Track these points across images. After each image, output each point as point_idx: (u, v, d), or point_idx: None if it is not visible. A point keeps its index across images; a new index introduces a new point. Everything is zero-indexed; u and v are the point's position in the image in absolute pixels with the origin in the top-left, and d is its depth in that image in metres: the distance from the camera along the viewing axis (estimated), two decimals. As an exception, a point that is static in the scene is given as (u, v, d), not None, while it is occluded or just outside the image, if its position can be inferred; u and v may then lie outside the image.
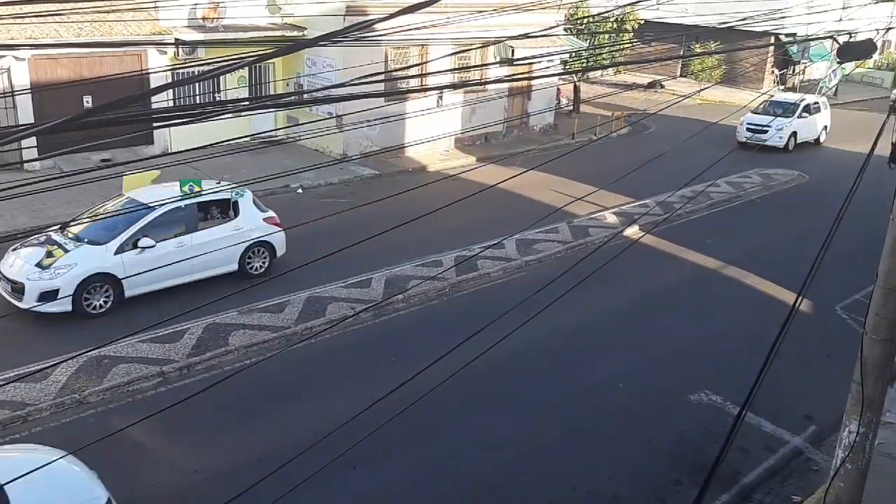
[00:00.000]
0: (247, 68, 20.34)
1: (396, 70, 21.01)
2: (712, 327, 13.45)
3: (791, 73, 38.02)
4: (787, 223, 19.00)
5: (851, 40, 9.36)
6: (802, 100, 27.27)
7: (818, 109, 27.60)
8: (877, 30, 14.31)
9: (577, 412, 10.74)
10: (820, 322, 13.51)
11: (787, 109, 26.77)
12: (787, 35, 34.44)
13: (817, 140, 27.63)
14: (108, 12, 13.44)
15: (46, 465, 5.96)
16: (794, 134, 26.52)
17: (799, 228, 18.14)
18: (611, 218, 18.52)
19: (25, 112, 17.88)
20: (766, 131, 25.51)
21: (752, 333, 12.75)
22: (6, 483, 5.86)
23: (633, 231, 17.15)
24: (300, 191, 19.08)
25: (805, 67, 37.31)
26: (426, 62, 21.31)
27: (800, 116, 26.68)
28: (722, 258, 16.32)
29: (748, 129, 26.33)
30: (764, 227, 18.80)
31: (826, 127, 27.99)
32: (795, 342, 10.97)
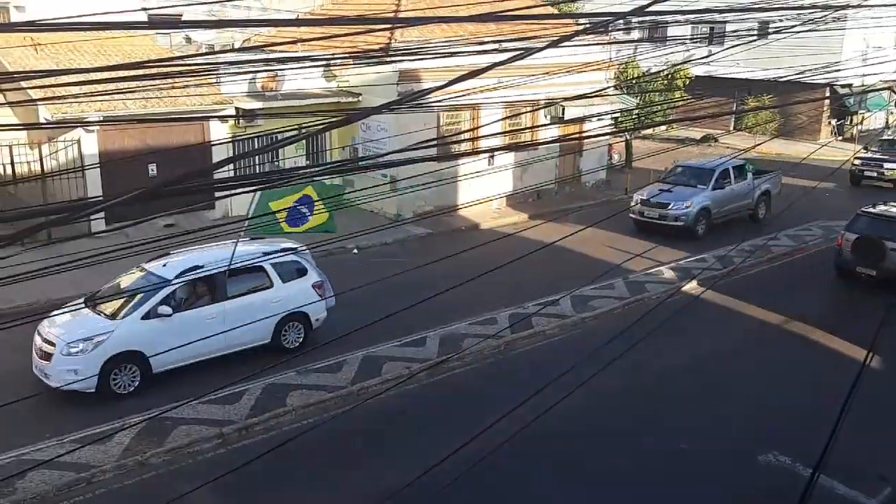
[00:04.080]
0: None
1: (449, 135, 21.36)
2: (778, 384, 13.03)
3: (849, 123, 37.40)
4: (851, 276, 18.45)
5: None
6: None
7: None
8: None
9: (642, 476, 10.44)
10: (892, 378, 12.98)
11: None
12: (842, 86, 34.03)
13: None
14: (173, 87, 14.07)
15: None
16: None
17: (864, 282, 17.59)
18: (668, 273, 18.26)
19: (93, 182, 18.63)
20: None
21: (821, 390, 12.30)
22: None
23: (691, 286, 16.87)
24: (356, 251, 19.35)
25: (863, 118, 36.67)
26: (478, 126, 21.62)
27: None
28: (785, 313, 15.89)
29: None
30: (827, 281, 18.28)
31: None
32: (867, 399, 10.56)
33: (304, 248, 13.60)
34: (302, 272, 13.68)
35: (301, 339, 13.69)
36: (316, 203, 12.59)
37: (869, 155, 28.64)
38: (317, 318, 13.90)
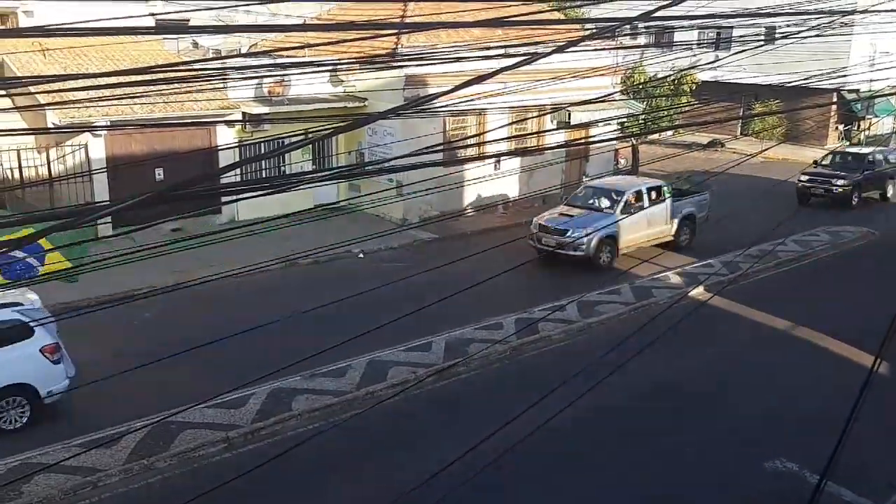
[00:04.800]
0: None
1: (456, 140, 21.37)
2: (785, 391, 12.97)
3: (857, 128, 37.31)
4: (859, 281, 18.39)
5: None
6: None
7: None
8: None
9: (648, 480, 10.41)
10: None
11: None
12: (849, 91, 33.99)
13: None
14: (180, 92, 14.14)
15: None
16: None
17: (872, 287, 17.53)
18: (674, 278, 18.21)
19: (101, 185, 18.67)
20: None
21: (828, 397, 12.25)
22: None
23: (698, 292, 16.82)
24: (361, 255, 19.37)
25: (871, 123, 36.57)
26: (484, 132, 21.63)
27: None
28: (793, 319, 15.83)
29: None
30: (835, 286, 18.21)
31: None
32: (874, 405, 10.49)
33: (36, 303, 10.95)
34: (25, 334, 10.62)
35: (26, 418, 10.92)
36: (49, 250, 10.00)
37: (817, 170, 25.83)
38: (49, 391, 10.91)
